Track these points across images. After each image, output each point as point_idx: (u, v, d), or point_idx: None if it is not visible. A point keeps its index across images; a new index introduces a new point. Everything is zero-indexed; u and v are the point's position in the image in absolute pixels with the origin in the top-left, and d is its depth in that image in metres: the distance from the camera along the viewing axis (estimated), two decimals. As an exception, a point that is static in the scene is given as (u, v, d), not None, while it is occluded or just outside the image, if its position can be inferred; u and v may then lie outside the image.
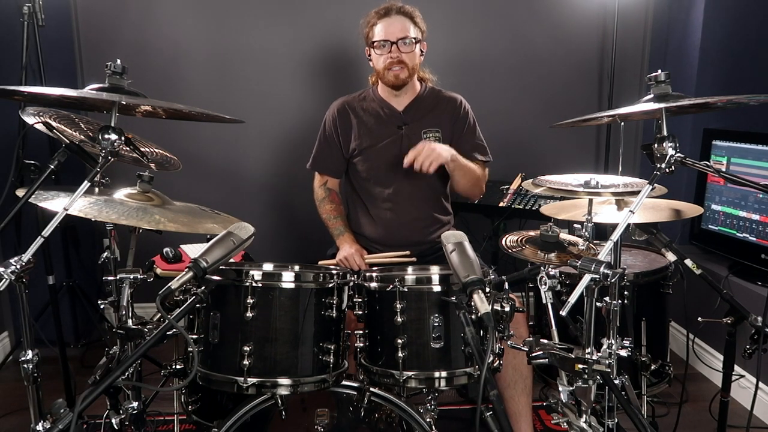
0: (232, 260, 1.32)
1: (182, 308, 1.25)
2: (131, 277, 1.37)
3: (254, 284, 1.34)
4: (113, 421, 1.40)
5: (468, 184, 2.23)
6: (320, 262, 2.17)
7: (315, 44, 3.07)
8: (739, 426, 2.18)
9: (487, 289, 1.26)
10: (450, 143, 2.25)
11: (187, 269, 1.22)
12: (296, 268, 1.56)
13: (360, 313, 1.49)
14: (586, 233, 1.58)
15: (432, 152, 2.02)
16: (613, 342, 1.45)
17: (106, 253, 1.50)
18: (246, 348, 1.33)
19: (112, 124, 1.30)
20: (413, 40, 2.15)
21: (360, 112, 2.29)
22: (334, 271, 1.47)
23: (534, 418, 2.02)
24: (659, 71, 1.35)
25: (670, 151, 1.29)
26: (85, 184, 1.25)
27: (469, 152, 2.25)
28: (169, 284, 1.19)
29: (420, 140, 2.22)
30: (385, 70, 2.16)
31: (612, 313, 1.45)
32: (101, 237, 2.95)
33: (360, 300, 1.49)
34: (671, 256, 1.73)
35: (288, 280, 1.39)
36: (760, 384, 2.28)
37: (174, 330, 1.21)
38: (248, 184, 3.18)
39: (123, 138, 1.31)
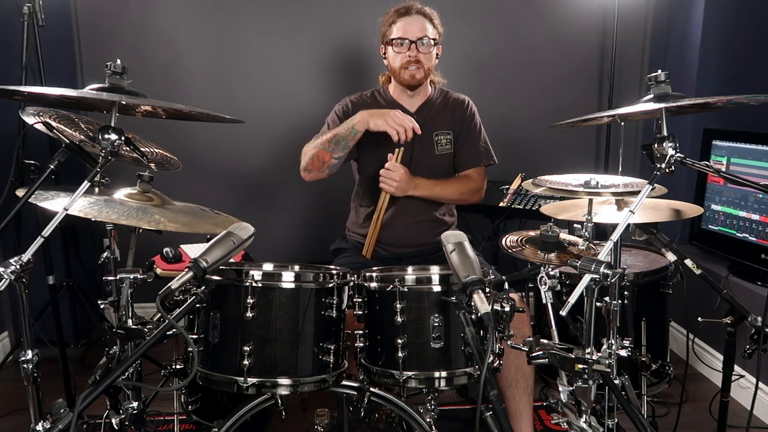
0: (232, 260, 1.32)
1: (182, 308, 1.25)
2: (131, 277, 1.37)
3: (254, 284, 1.34)
4: (113, 421, 1.40)
5: (450, 201, 2.24)
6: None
7: (315, 44, 3.07)
8: (739, 426, 2.18)
9: (487, 289, 1.25)
10: (455, 145, 2.26)
11: (187, 269, 1.22)
12: (296, 268, 1.56)
13: (360, 313, 1.49)
14: (586, 233, 1.58)
15: (392, 183, 2.10)
16: (613, 342, 1.45)
17: (106, 253, 1.50)
18: (246, 348, 1.33)
19: (112, 124, 1.30)
20: (431, 41, 2.15)
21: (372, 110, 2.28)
22: (334, 271, 1.47)
23: (534, 418, 2.02)
24: (659, 71, 1.35)
25: (670, 151, 1.29)
26: (85, 184, 1.25)
27: (468, 160, 2.26)
28: (169, 284, 1.20)
29: (431, 141, 2.23)
30: (401, 69, 2.16)
31: (612, 313, 1.45)
32: (101, 237, 2.95)
33: (360, 300, 1.49)
34: (671, 256, 1.73)
35: (288, 280, 1.39)
36: (760, 384, 2.28)
37: (174, 330, 1.21)
38: (248, 184, 3.18)
39: (123, 138, 1.31)
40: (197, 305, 1.32)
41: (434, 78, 2.31)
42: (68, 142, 1.37)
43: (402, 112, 2.06)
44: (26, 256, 1.19)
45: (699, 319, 1.81)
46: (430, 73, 2.22)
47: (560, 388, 1.51)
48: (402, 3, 2.20)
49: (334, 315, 1.42)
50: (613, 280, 1.20)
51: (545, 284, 1.62)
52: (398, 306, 1.39)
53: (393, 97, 2.28)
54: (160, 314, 1.19)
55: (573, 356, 1.33)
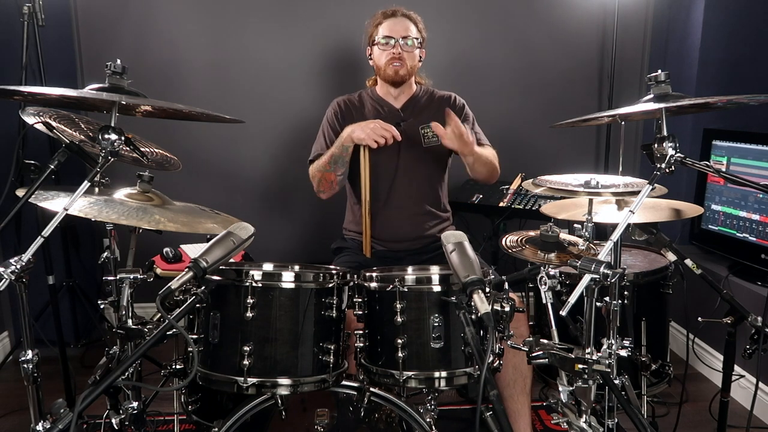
0: (232, 260, 1.32)
1: (182, 308, 1.25)
2: (131, 277, 1.37)
3: (254, 284, 1.34)
4: (113, 421, 1.40)
5: (486, 171, 2.25)
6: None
7: (314, 45, 3.07)
8: (739, 426, 2.18)
9: (487, 289, 1.25)
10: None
11: (187, 269, 1.22)
12: (296, 268, 1.56)
13: (360, 313, 1.49)
14: (586, 233, 1.58)
15: (461, 135, 2.06)
16: (613, 342, 1.45)
17: (106, 253, 1.50)
18: (246, 348, 1.33)
19: (112, 124, 1.30)
20: (415, 41, 2.24)
21: (360, 109, 2.34)
22: (333, 271, 1.47)
23: (534, 418, 2.02)
24: (659, 71, 1.35)
25: (670, 151, 1.29)
26: (85, 184, 1.25)
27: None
28: (169, 284, 1.19)
29: (418, 135, 2.28)
30: (386, 65, 2.24)
31: (612, 313, 1.45)
32: (101, 237, 2.95)
33: (360, 300, 1.49)
34: (671, 256, 1.73)
35: (288, 280, 1.39)
36: (760, 384, 2.28)
37: (174, 330, 1.21)
38: (248, 184, 3.18)
39: (123, 138, 1.31)
40: (197, 305, 1.32)
41: (420, 79, 2.39)
42: (68, 142, 1.37)
43: (382, 121, 2.13)
44: (26, 256, 1.19)
45: (699, 319, 1.81)
46: (413, 72, 2.30)
47: (560, 388, 1.51)
48: (388, 6, 2.28)
49: (334, 315, 1.42)
50: (613, 280, 1.20)
51: (545, 284, 1.62)
52: (398, 306, 1.39)
53: (380, 95, 2.35)
54: (160, 314, 1.19)
55: (573, 356, 1.33)
